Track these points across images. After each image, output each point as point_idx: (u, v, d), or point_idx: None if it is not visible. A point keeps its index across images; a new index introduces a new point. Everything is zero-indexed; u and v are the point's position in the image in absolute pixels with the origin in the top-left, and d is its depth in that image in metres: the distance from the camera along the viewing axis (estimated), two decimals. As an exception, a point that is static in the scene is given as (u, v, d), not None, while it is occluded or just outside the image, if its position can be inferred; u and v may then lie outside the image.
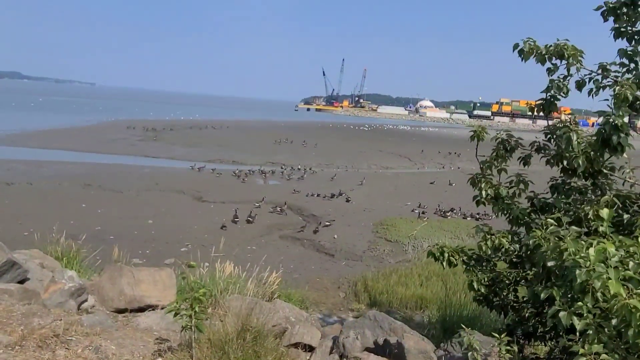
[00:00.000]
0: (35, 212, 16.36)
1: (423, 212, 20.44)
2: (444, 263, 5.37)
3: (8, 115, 59.04)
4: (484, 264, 5.46)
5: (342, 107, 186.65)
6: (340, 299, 11.67)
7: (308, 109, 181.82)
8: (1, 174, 22.56)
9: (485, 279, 5.36)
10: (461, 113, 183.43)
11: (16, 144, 33.97)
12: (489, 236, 5.20)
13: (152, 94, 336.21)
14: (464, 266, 5.47)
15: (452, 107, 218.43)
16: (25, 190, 19.94)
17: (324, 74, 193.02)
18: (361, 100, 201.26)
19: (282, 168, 30.90)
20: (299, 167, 31.81)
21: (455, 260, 5.40)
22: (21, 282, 5.39)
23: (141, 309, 4.91)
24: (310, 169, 31.54)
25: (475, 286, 5.27)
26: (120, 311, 4.89)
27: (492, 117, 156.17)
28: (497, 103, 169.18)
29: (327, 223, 17.84)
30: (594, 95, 5.06)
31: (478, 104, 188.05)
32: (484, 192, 5.54)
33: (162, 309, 4.81)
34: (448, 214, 20.55)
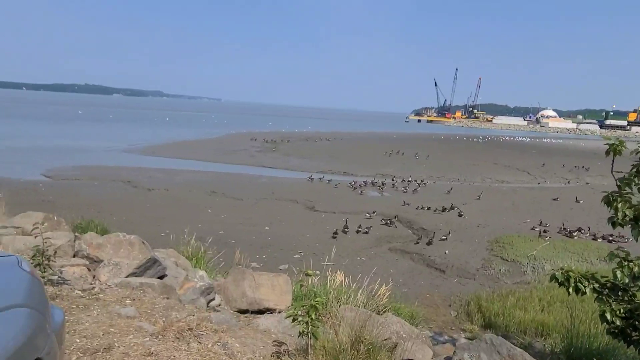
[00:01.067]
0: (171, 215, 18.31)
1: (544, 231, 18.84)
2: (570, 289, 4.93)
3: (149, 129, 67.21)
4: (619, 293, 4.90)
5: (454, 118, 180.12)
6: (452, 317, 11.24)
7: (419, 121, 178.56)
8: (144, 181, 25.67)
9: (621, 310, 4.81)
10: (590, 123, 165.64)
11: (156, 154, 38.39)
12: (626, 263, 4.67)
13: (270, 108, 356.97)
14: (595, 295, 4.96)
15: (580, 117, 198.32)
16: (162, 196, 22.43)
17: (435, 85, 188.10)
18: (475, 111, 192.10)
19: (393, 180, 30.71)
20: (410, 179, 31.36)
21: (584, 287, 4.92)
22: (160, 277, 6.12)
23: (260, 311, 5.27)
24: (422, 181, 30.95)
25: (609, 317, 4.76)
26: (242, 312, 5.29)
27: (628, 127, 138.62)
28: (634, 111, 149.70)
29: (444, 237, 17.29)
30: None
31: (611, 113, 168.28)
32: (620, 213, 4.99)
33: (279, 312, 5.12)
34: (574, 234, 18.66)
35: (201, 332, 3.86)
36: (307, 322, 3.44)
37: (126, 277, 5.51)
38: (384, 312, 6.19)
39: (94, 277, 5.55)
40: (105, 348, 3.24)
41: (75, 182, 24.70)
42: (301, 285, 4.05)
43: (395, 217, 20.06)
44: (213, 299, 5.26)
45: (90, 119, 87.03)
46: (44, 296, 1.55)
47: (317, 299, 3.48)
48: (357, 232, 17.77)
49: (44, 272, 4.53)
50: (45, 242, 4.76)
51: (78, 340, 3.31)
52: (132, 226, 14.94)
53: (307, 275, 3.64)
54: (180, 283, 5.45)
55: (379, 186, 28.35)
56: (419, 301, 11.79)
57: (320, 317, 3.61)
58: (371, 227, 18.36)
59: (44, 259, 4.55)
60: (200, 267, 8.34)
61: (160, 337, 3.64)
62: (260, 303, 5.23)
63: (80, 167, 29.43)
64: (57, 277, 4.66)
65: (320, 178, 29.91)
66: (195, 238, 9.24)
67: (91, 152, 38.15)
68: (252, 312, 5.28)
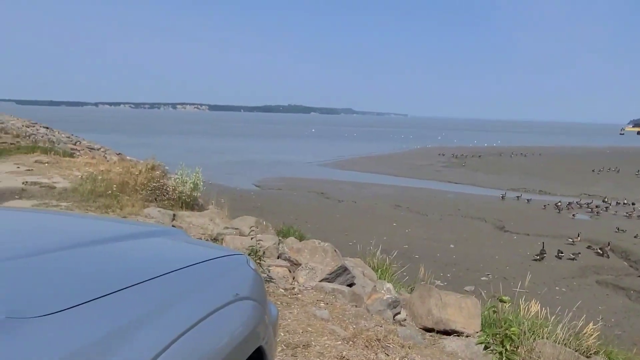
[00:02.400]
0: (358, 226, 19.20)
1: None
2: None
3: (340, 144, 71.94)
4: None
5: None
6: (686, 375, 9.10)
7: (638, 133, 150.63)
8: (335, 192, 27.53)
9: None
10: None
11: (345, 168, 40.82)
12: None
13: (458, 122, 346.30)
14: None
15: None
16: (350, 207, 23.68)
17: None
18: None
19: (605, 202, 26.48)
20: (625, 201, 26.63)
21: None
22: (349, 285, 6.46)
23: (446, 332, 5.13)
24: (645, 204, 26.04)
25: None
26: (427, 330, 5.23)
27: None
28: None
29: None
30: None
31: None
32: None
33: (466, 336, 4.91)
34: None
35: (388, 345, 3.95)
36: (500, 353, 3.22)
37: (320, 281, 5.99)
38: (592, 354, 5.38)
39: (293, 279, 6.18)
40: (304, 345, 3.58)
41: (279, 192, 27.87)
42: (494, 311, 3.82)
43: (608, 244, 17.23)
44: (399, 313, 5.33)
45: (293, 135, 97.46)
46: (264, 291, 1.81)
47: (512, 329, 3.23)
48: (558, 257, 15.83)
49: (256, 269, 5.24)
50: (258, 244, 5.52)
51: (282, 334, 3.74)
52: (324, 234, 16.11)
53: (502, 301, 3.41)
54: (368, 293, 5.67)
55: (592, 208, 24.73)
56: (638, 348, 9.86)
57: (515, 350, 3.34)
58: (579, 253, 16.15)
59: (256, 258, 5.27)
60: (385, 280, 8.54)
61: (350, 342, 3.85)
62: (446, 323, 5.10)
63: (283, 179, 33.10)
64: (266, 275, 5.34)
65: (518, 197, 27.59)
66: (380, 250, 9.52)
67: (293, 165, 42.62)
68: (437, 332, 5.18)
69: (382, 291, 5.58)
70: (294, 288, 5.31)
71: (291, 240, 7.64)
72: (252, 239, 5.47)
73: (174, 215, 8.40)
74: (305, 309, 4.37)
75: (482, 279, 13.83)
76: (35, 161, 13.23)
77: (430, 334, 5.15)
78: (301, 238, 9.54)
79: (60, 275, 1.23)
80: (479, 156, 53.13)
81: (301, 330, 3.89)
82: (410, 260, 13.67)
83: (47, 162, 13.19)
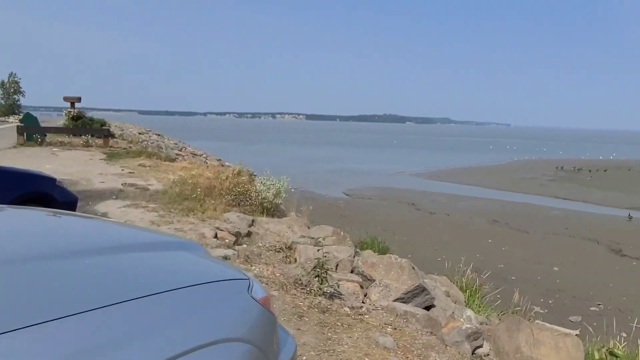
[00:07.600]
0: (449, 241, 18.09)
1: None
2: None
3: (436, 155, 69.53)
4: None
5: None
6: None
7: None
8: (427, 204, 26.41)
9: None
10: None
11: (440, 179, 39.17)
12: None
13: (567, 132, 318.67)
14: None
15: None
16: (443, 220, 22.49)
17: None
18: None
19: None
20: None
21: None
22: (427, 308, 5.86)
23: (539, 375, 4.35)
24: None
25: None
26: (515, 369, 4.49)
27: None
28: None
29: None
30: None
31: None
32: None
33: (563, 383, 4.10)
34: None
35: (461, 385, 3.37)
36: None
37: (393, 300, 5.48)
38: None
39: (365, 295, 5.74)
40: (357, 377, 3.15)
41: (368, 201, 27.41)
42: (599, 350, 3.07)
43: None
44: (480, 347, 4.64)
45: (389, 145, 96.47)
46: (269, 330, 1.44)
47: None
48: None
49: (322, 283, 4.90)
50: (325, 256, 5.17)
51: (335, 362, 3.34)
52: (411, 247, 15.35)
53: (613, 355, 2.69)
54: (446, 320, 5.05)
55: None
56: None
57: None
58: None
59: (322, 271, 4.93)
60: (473, 302, 7.74)
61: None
62: (538, 364, 4.32)
63: (374, 188, 32.57)
64: (332, 290, 4.97)
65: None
66: (471, 268, 8.80)
67: (384, 174, 41.91)
68: (527, 373, 4.41)
69: (462, 319, 4.93)
70: (361, 307, 4.88)
71: (368, 253, 7.19)
72: (318, 250, 5.14)
73: (253, 220, 8.37)
74: (368, 334, 3.92)
75: (592, 309, 12.17)
76: (139, 165, 14.23)
77: (519, 374, 4.41)
78: (383, 251, 9.03)
79: (37, 287, 1.05)
80: (589, 170, 47.97)
81: None
82: (505, 281, 12.49)
83: (149, 166, 14.12)
